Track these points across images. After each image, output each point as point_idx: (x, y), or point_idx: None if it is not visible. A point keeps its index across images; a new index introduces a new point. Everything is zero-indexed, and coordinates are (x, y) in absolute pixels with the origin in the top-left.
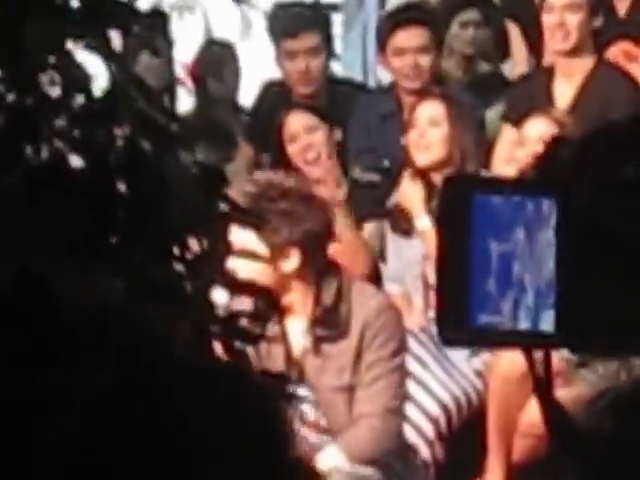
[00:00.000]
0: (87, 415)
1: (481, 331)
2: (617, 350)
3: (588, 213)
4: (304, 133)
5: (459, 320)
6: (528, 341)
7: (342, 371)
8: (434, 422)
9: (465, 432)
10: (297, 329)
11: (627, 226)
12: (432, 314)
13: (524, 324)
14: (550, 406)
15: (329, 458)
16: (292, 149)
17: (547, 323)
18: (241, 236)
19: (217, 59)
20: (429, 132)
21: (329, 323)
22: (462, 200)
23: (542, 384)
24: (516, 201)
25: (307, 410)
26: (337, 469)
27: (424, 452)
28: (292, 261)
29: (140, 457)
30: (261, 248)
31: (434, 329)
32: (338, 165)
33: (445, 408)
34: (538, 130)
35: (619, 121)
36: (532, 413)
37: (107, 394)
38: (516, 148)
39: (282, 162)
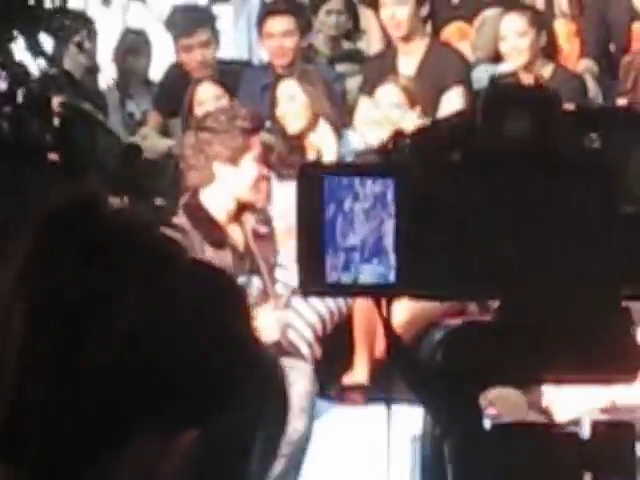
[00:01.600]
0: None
1: (333, 286)
2: (445, 295)
3: (421, 188)
4: (212, 100)
5: (315, 277)
6: (375, 291)
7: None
8: (312, 328)
9: (337, 335)
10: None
11: (452, 197)
12: None
13: (369, 278)
14: (393, 342)
15: None
16: (199, 112)
17: (389, 277)
18: None
19: (133, 44)
20: (287, 106)
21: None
22: (314, 182)
23: (387, 325)
24: (359, 181)
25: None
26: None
27: (305, 351)
28: None
29: None
30: None
31: None
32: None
33: (320, 316)
34: (388, 94)
35: (445, 117)
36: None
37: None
38: (372, 111)
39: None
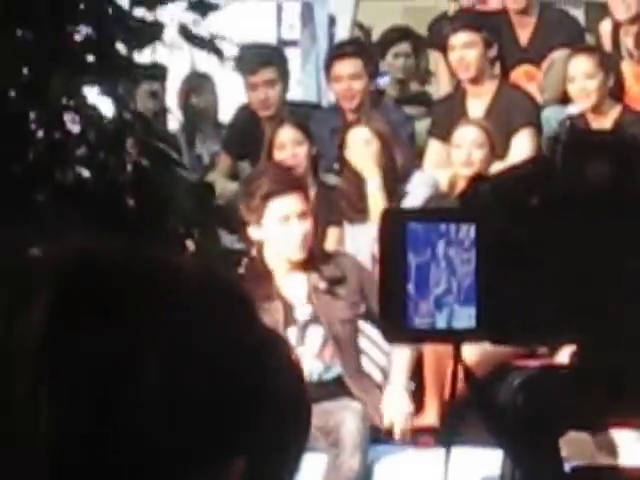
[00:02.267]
0: None
1: (416, 331)
2: (526, 341)
3: (501, 233)
4: (291, 144)
5: (397, 323)
6: (456, 336)
7: (352, 305)
8: (381, 370)
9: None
10: (303, 280)
11: (531, 243)
12: None
13: (451, 324)
14: (474, 387)
15: (401, 364)
16: (280, 156)
17: (470, 321)
18: None
19: (199, 87)
20: (363, 151)
21: (331, 270)
22: (397, 227)
23: (467, 370)
24: (442, 226)
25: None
26: None
27: (378, 378)
28: None
29: None
30: None
31: None
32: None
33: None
34: (469, 134)
35: (523, 162)
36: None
37: None
38: (452, 150)
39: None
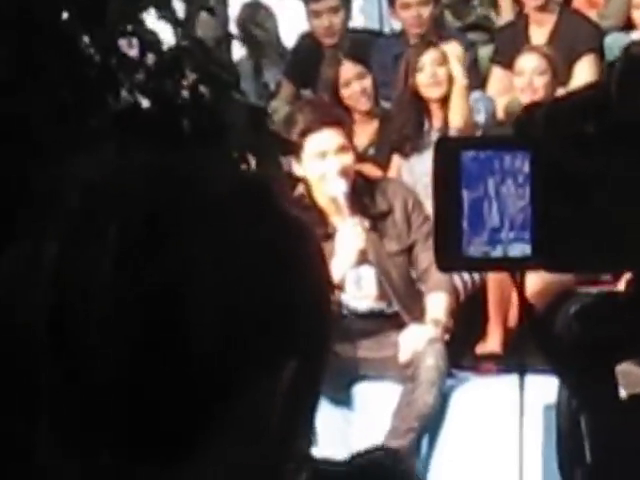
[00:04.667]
0: None
1: (470, 259)
2: (582, 267)
3: (556, 161)
4: (355, 80)
5: (452, 251)
6: (512, 264)
7: (399, 236)
8: None
9: (471, 305)
10: (351, 219)
11: (587, 171)
12: None
13: (507, 252)
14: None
15: (437, 303)
16: (346, 93)
17: (526, 250)
18: None
19: (259, 16)
20: (437, 71)
21: (376, 205)
22: (451, 156)
23: (524, 298)
24: (495, 155)
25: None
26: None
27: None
28: None
29: None
30: None
31: None
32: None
33: (454, 287)
34: (531, 62)
35: (580, 88)
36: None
37: None
38: (515, 77)
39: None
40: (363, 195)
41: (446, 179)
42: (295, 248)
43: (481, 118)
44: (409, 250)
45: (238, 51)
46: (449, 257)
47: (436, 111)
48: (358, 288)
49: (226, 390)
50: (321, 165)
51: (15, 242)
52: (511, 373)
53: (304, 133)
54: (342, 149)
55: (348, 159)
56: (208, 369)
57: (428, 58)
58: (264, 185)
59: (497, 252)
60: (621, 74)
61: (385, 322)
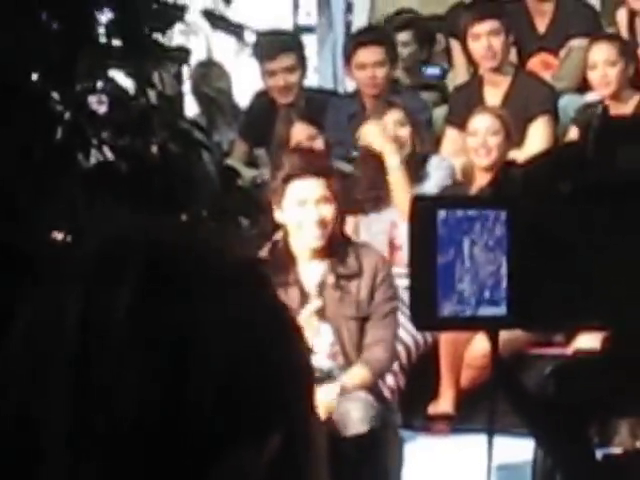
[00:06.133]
0: None
1: (445, 319)
2: (559, 326)
3: (533, 220)
4: (306, 141)
5: (427, 311)
6: (486, 324)
7: (359, 304)
8: (397, 357)
9: (422, 365)
10: (319, 269)
11: (563, 230)
12: (396, 270)
13: (481, 311)
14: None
15: (354, 377)
16: None
17: (500, 309)
18: None
19: (213, 74)
20: (399, 131)
21: (346, 264)
22: (427, 215)
23: (498, 357)
24: (472, 214)
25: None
26: (355, 395)
27: (390, 381)
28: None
29: None
30: None
31: (398, 282)
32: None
33: (406, 346)
34: (484, 122)
35: (556, 147)
36: (474, 348)
37: None
38: (468, 138)
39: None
40: (337, 250)
41: (422, 236)
42: (287, 324)
43: (430, 187)
44: (362, 319)
45: (191, 109)
46: (424, 316)
47: None
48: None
49: (213, 447)
50: (299, 213)
51: (32, 292)
52: (464, 434)
53: (287, 179)
54: (322, 200)
55: (328, 211)
56: (201, 421)
57: (390, 119)
58: (259, 264)
59: (472, 310)
60: (598, 134)
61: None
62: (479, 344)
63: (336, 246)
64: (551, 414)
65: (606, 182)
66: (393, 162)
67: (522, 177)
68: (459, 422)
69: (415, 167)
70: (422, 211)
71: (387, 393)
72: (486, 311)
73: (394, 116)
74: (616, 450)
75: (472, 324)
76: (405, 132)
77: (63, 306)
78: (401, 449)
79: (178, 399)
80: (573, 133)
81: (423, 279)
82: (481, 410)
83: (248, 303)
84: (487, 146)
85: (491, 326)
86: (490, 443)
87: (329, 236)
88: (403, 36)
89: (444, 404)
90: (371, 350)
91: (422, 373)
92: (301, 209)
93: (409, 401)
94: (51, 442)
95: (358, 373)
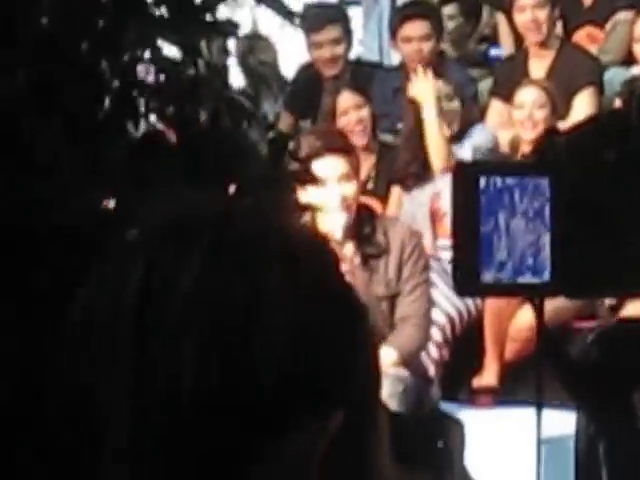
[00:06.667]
0: None
1: (488, 285)
2: (601, 293)
3: (576, 187)
4: (353, 110)
5: (470, 277)
6: (529, 291)
7: (387, 282)
8: (441, 329)
9: (467, 338)
10: (348, 249)
11: (607, 198)
12: (440, 243)
13: (524, 278)
14: (549, 342)
15: (383, 356)
16: (342, 122)
17: (543, 276)
18: None
19: (259, 47)
20: (448, 105)
21: (372, 243)
22: (470, 182)
23: (542, 324)
24: (514, 181)
25: None
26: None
27: (433, 353)
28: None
29: None
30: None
31: (442, 255)
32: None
33: (450, 318)
34: (531, 95)
35: (600, 116)
36: (519, 321)
37: None
38: (514, 111)
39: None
40: (363, 229)
41: (464, 203)
42: (352, 300)
43: (466, 153)
44: (392, 297)
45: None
46: (466, 282)
47: None
48: None
49: (276, 422)
50: (322, 193)
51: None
52: (506, 406)
53: (307, 159)
54: (345, 177)
55: (351, 189)
56: (262, 394)
57: (440, 92)
58: (328, 243)
59: (515, 277)
60: None
61: None
62: (524, 316)
63: (362, 223)
64: (595, 380)
65: None
66: (431, 114)
67: (565, 145)
68: (503, 395)
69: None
70: (464, 177)
71: (430, 366)
72: (529, 278)
73: (444, 90)
74: None
75: (515, 290)
76: (454, 106)
77: (127, 277)
78: (462, 431)
79: (239, 372)
80: (618, 106)
81: (466, 246)
82: (525, 383)
83: (314, 278)
84: (533, 119)
85: (534, 293)
86: (539, 416)
87: (353, 214)
88: (449, 9)
89: (488, 377)
90: (399, 328)
91: (467, 346)
92: (323, 188)
93: (454, 374)
94: (114, 409)
95: (384, 354)
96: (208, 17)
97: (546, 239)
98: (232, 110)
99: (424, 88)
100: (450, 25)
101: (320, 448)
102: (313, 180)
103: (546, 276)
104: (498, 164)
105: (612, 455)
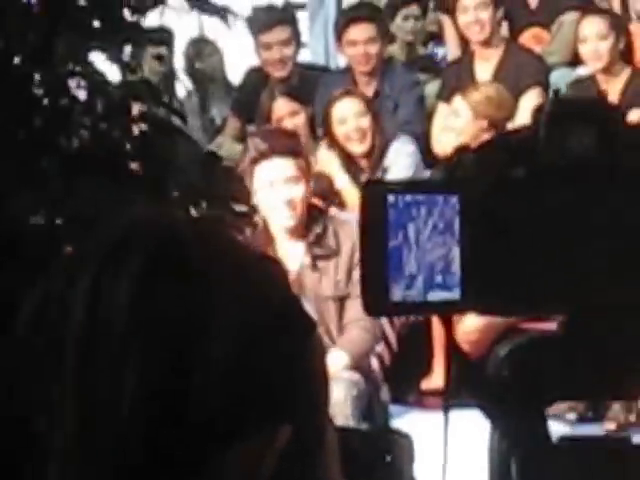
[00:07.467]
0: None
1: (397, 304)
2: (510, 311)
3: (485, 204)
4: (288, 117)
5: (379, 296)
6: (439, 308)
7: (337, 284)
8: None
9: (415, 340)
10: (297, 250)
11: (515, 214)
12: None
13: (434, 296)
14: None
15: (335, 359)
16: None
17: (453, 294)
18: None
19: (205, 51)
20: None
21: (323, 244)
22: (376, 199)
23: (452, 342)
24: (423, 198)
25: None
26: (336, 375)
27: (375, 357)
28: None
29: None
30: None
31: None
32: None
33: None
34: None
35: (509, 131)
36: (466, 324)
37: None
38: (452, 118)
39: None
40: (313, 230)
41: (372, 221)
42: (298, 313)
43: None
44: (341, 299)
45: (182, 87)
46: (375, 302)
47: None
48: None
49: (220, 435)
50: (269, 194)
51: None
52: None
53: (255, 161)
54: (292, 180)
55: (298, 190)
56: (206, 408)
57: (350, 111)
58: (273, 257)
59: (425, 296)
60: (549, 117)
61: None
62: (470, 320)
63: (312, 225)
64: (505, 397)
65: (556, 166)
66: (343, 183)
67: (475, 161)
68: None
69: (376, 158)
70: (371, 196)
71: (376, 368)
72: (438, 296)
73: (354, 108)
74: (609, 425)
75: (425, 309)
76: (365, 122)
77: (72, 292)
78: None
79: (183, 384)
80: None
81: (373, 264)
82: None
83: (258, 291)
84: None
85: (444, 311)
86: (446, 419)
87: (302, 215)
88: (409, 10)
89: (436, 379)
90: (348, 331)
91: (416, 348)
92: (270, 190)
93: (402, 377)
94: (57, 422)
95: (336, 357)
96: (138, 26)
97: (455, 257)
98: (159, 128)
99: (327, 160)
100: (409, 26)
101: (268, 463)
102: (246, 194)
103: (456, 293)
104: (405, 182)
105: (524, 472)
